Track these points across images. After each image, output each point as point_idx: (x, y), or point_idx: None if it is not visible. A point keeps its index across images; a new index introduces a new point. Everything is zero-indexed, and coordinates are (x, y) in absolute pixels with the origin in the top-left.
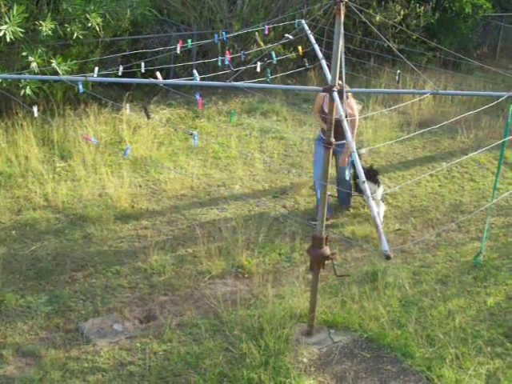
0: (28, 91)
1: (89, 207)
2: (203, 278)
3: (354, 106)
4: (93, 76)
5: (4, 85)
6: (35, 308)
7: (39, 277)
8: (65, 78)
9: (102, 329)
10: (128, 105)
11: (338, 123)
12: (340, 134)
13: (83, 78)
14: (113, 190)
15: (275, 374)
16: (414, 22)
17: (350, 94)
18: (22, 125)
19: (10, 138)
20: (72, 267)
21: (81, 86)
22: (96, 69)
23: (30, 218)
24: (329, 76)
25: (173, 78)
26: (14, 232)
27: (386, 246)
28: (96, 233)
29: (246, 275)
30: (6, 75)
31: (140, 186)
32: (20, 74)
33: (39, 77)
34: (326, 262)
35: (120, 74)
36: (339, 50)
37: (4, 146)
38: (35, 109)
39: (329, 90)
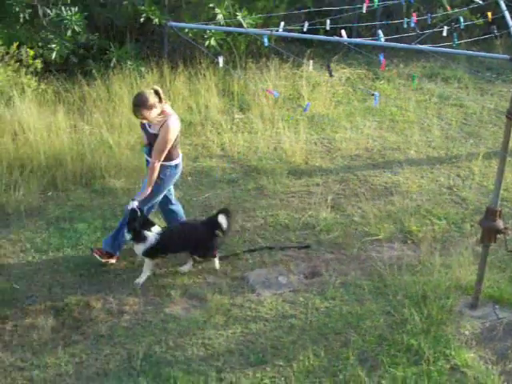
0: (212, 42)
1: (263, 160)
2: (371, 240)
3: (171, 126)
4: (278, 30)
5: (190, 34)
6: None
7: None
8: (251, 31)
9: (268, 280)
10: (311, 61)
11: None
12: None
13: (269, 32)
14: (288, 145)
15: (435, 343)
16: None
17: (167, 109)
18: (204, 75)
19: (193, 87)
20: (242, 217)
21: (266, 40)
22: (282, 24)
23: (206, 165)
24: None
25: (355, 37)
26: (189, 178)
27: None
28: (268, 185)
29: (414, 241)
30: (192, 25)
31: (315, 143)
32: (206, 24)
33: (225, 28)
34: (498, 236)
35: (305, 30)
36: None
37: (186, 94)
38: (221, 59)
39: None
